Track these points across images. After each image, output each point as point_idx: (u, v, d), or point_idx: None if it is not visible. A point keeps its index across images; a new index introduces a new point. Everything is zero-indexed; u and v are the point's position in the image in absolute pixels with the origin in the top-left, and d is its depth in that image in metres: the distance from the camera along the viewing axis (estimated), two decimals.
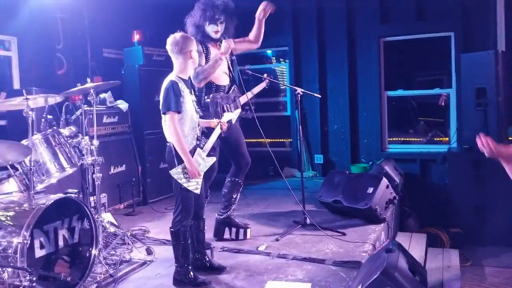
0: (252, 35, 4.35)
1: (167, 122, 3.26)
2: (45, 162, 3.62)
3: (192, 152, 3.35)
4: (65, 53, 6.09)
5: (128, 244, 4.17)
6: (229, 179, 4.30)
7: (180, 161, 3.27)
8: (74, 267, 3.30)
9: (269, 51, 8.52)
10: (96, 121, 4.01)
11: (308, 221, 4.51)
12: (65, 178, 4.08)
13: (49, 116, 3.97)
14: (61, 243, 3.20)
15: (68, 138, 3.83)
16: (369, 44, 7.20)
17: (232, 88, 4.24)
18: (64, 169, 3.71)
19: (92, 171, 3.95)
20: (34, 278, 2.67)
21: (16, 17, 5.35)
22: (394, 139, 7.44)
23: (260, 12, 4.21)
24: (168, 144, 3.35)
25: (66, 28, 6.09)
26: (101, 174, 3.95)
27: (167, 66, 3.49)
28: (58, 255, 3.19)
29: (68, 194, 3.43)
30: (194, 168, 3.28)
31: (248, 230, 4.38)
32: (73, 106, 5.11)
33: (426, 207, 6.48)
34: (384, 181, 4.84)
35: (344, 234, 4.35)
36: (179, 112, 3.25)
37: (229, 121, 3.95)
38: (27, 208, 3.06)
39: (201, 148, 3.45)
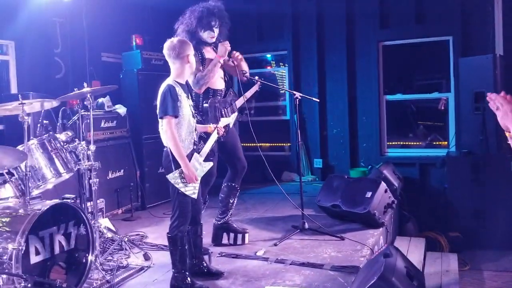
0: (239, 75, 4.18)
1: (164, 127, 3.24)
2: (41, 167, 3.59)
3: (189, 156, 3.33)
4: (63, 57, 6.06)
5: (126, 249, 4.15)
6: (225, 184, 4.28)
7: (177, 166, 3.25)
8: (70, 273, 3.28)
9: (268, 55, 8.53)
10: (94, 126, 4.00)
11: (306, 225, 4.49)
12: (62, 183, 4.06)
13: (45, 121, 3.94)
14: (57, 249, 3.18)
15: (65, 143, 3.80)
16: (369, 48, 7.22)
17: (228, 92, 4.23)
18: (60, 175, 3.69)
19: (88, 176, 3.92)
20: (29, 285, 2.66)
21: (14, 21, 5.31)
22: (393, 143, 7.44)
23: (231, 58, 4.11)
24: (165, 148, 3.33)
25: (64, 32, 6.06)
26: (98, 179, 3.93)
27: (166, 70, 3.47)
28: (54, 261, 3.17)
29: (65, 200, 3.41)
30: (191, 173, 3.27)
31: (246, 235, 4.37)
32: (70, 110, 5.09)
33: (425, 211, 6.47)
34: (383, 185, 4.83)
35: (342, 238, 4.34)
36: (176, 116, 3.24)
37: (227, 126, 3.94)
38: (22, 214, 3.04)
39: (198, 153, 3.44)
